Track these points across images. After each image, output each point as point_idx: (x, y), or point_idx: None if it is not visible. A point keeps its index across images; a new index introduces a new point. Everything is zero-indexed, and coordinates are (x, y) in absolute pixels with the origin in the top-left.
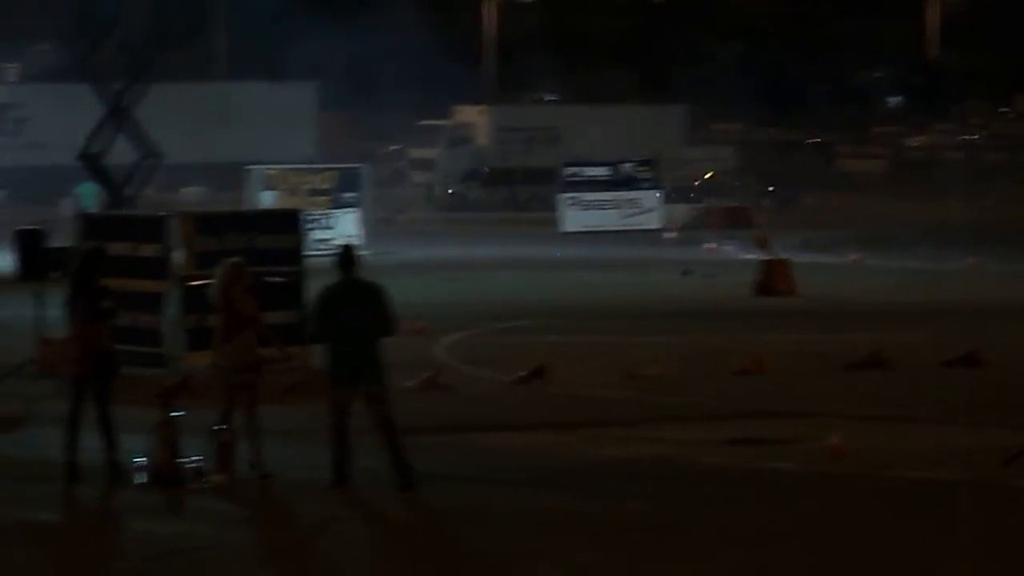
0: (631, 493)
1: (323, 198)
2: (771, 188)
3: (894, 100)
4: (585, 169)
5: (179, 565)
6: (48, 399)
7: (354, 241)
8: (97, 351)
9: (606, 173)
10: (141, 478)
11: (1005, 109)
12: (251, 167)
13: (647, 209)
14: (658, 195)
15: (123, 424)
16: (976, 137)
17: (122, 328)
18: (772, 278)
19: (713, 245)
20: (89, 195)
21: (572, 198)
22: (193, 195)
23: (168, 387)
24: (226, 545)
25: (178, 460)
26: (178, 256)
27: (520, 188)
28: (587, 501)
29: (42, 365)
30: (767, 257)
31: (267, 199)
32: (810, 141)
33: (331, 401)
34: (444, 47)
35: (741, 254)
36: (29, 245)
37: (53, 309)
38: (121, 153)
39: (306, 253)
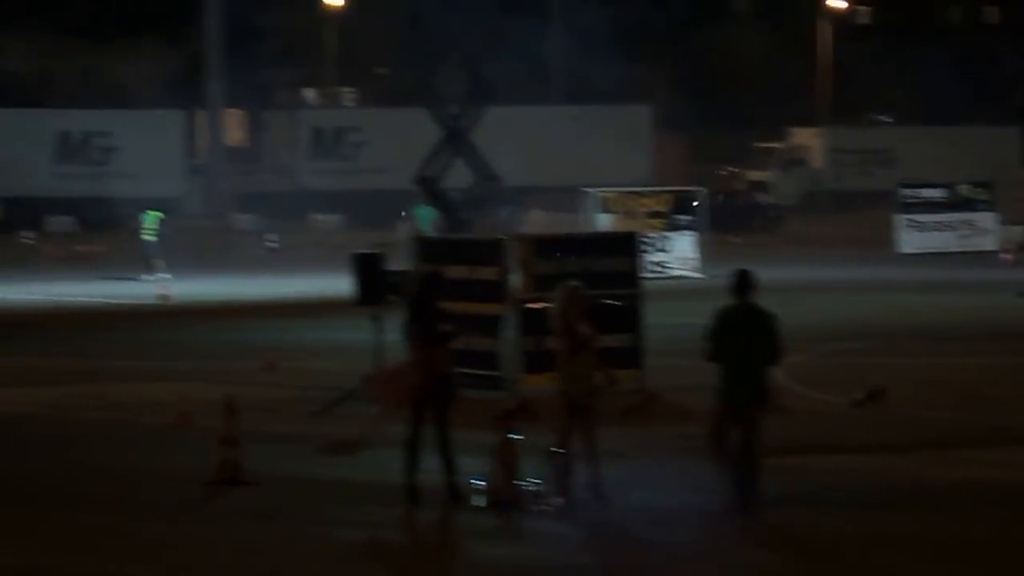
0: (977, 515)
1: (659, 220)
2: None
3: None
4: (921, 191)
5: None
6: (387, 422)
7: (689, 264)
8: (435, 374)
9: (942, 195)
10: (480, 501)
11: None
12: (587, 190)
13: (984, 231)
14: (995, 217)
15: (462, 447)
16: None
17: (460, 351)
18: None
19: None
20: (426, 218)
21: (909, 220)
22: (529, 218)
23: (506, 410)
24: (565, 568)
25: (516, 482)
26: (515, 279)
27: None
28: (933, 522)
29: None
30: None
31: (603, 221)
32: None
33: (713, 422)
34: (780, 69)
35: None
36: (367, 269)
37: (391, 333)
38: (458, 176)
39: (642, 276)
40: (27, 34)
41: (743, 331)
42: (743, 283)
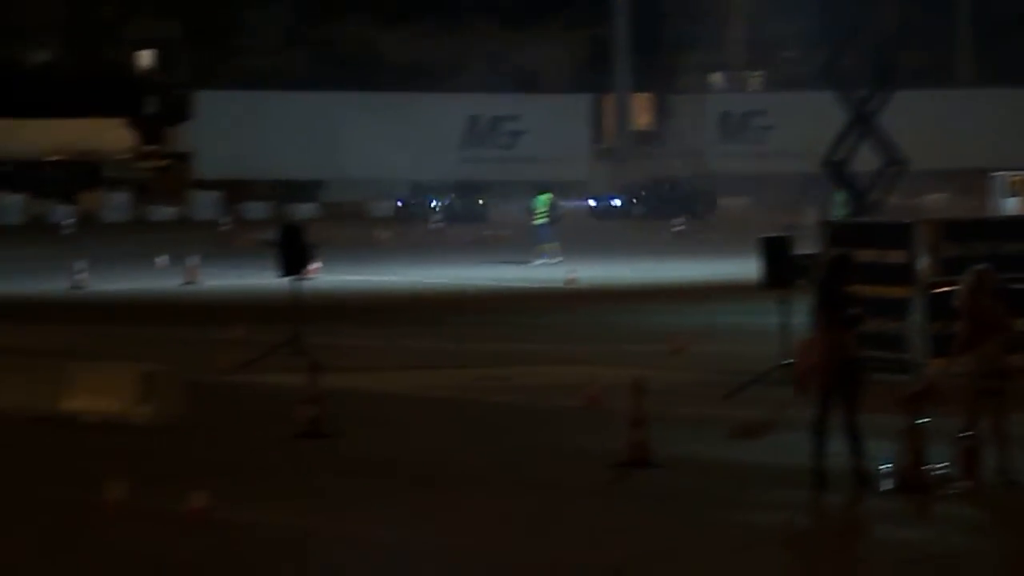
0: None
1: None
2: None
3: None
4: None
5: (927, 572)
6: (796, 405)
7: None
8: (843, 358)
9: None
10: (887, 485)
11: None
12: (995, 174)
13: None
14: None
15: (869, 430)
16: None
17: (868, 334)
18: None
19: None
20: (841, 203)
21: None
22: (936, 202)
23: (913, 393)
24: (973, 553)
25: (924, 467)
26: (923, 262)
27: None
28: None
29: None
30: None
31: (1010, 205)
32: None
33: None
34: None
35: None
36: (775, 252)
37: (799, 316)
38: (866, 160)
39: None
40: (436, 19)
41: None
42: None
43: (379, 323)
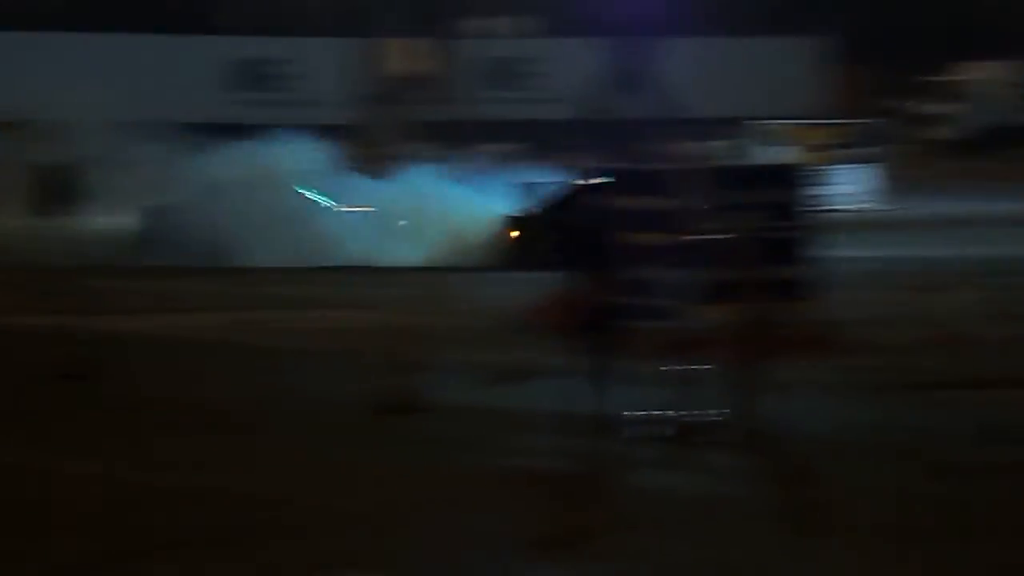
0: None
1: (833, 153)
2: None
3: None
4: None
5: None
6: (555, 351)
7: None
8: (602, 303)
9: None
10: (646, 432)
11: None
12: (753, 121)
13: None
14: None
15: (631, 377)
16: None
17: (632, 280)
18: None
19: None
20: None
21: None
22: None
23: (677, 340)
24: (732, 499)
25: (683, 413)
26: (690, 208)
27: None
28: None
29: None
30: None
31: (772, 154)
32: None
33: None
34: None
35: None
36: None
37: None
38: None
39: (812, 208)
40: None
41: None
42: None
43: None
